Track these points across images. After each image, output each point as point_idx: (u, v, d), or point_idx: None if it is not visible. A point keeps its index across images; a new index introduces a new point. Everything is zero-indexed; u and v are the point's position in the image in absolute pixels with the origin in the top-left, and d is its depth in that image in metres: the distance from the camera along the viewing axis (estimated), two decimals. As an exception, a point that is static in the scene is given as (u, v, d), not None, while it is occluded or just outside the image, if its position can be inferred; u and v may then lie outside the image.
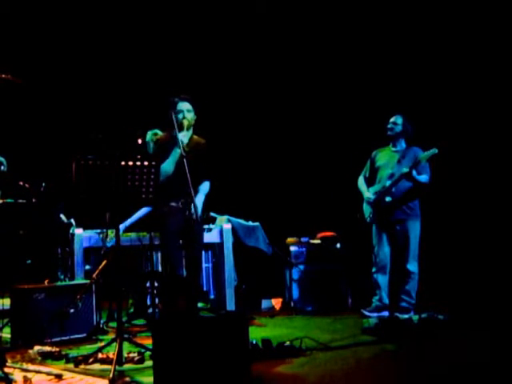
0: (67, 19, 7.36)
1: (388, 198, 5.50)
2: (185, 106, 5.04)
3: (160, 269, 5.53)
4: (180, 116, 4.99)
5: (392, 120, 5.66)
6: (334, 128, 7.43)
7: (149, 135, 5.77)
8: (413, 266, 5.49)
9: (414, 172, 5.35)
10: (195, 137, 5.13)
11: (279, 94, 7.78)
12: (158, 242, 5.25)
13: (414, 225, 5.53)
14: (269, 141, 7.85)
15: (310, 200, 7.53)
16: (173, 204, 4.92)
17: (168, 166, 4.88)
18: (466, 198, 6.49)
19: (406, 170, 5.35)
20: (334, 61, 7.43)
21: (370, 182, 5.80)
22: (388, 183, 5.51)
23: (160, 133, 5.73)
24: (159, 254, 5.56)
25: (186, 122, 4.96)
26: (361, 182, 5.86)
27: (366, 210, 5.72)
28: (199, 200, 4.98)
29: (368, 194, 5.68)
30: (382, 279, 5.64)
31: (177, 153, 4.80)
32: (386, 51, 7.05)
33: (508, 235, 6.21)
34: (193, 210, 4.79)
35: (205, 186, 5.15)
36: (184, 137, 4.92)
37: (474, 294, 5.85)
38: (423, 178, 5.44)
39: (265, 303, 6.47)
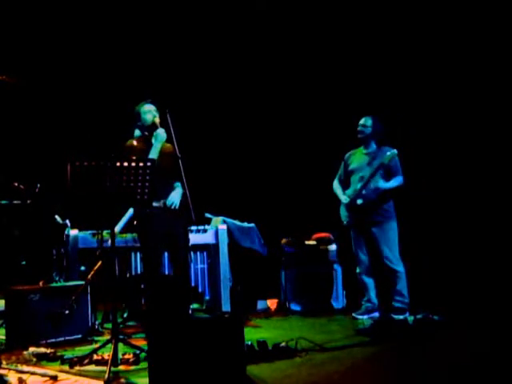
0: (62, 20, 7.35)
1: (359, 201, 5.49)
2: (152, 107, 5.02)
3: (140, 270, 5.54)
4: (150, 116, 4.97)
5: (362, 122, 5.62)
6: (330, 129, 7.43)
7: (137, 132, 5.75)
8: (397, 266, 5.46)
9: (381, 182, 5.38)
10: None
11: (273, 95, 7.78)
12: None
13: (390, 226, 5.50)
14: (264, 142, 7.86)
15: (305, 201, 7.53)
16: (155, 205, 4.89)
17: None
18: (461, 196, 6.50)
19: (374, 185, 5.38)
20: (327, 58, 7.45)
21: (345, 186, 5.78)
22: (359, 186, 5.51)
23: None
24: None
25: (157, 120, 4.94)
26: (336, 186, 5.83)
27: (343, 213, 5.72)
28: (177, 196, 4.96)
29: (344, 196, 5.67)
30: (368, 280, 5.64)
31: (157, 148, 4.84)
32: (369, 54, 7.09)
33: (503, 234, 6.22)
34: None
35: (178, 185, 5.12)
36: (164, 133, 4.90)
37: (470, 295, 5.86)
38: (394, 182, 5.45)
39: (260, 304, 6.46)
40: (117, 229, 5.57)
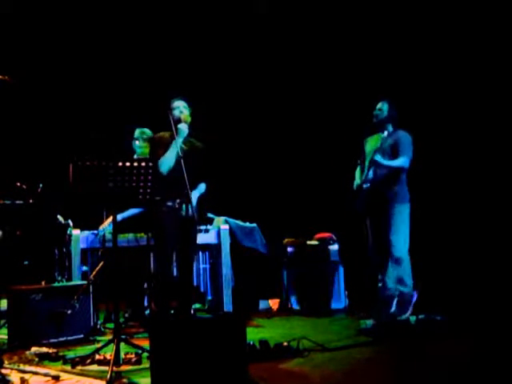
0: (65, 19, 7.36)
1: (365, 185, 5.33)
2: (180, 103, 5.06)
3: (153, 270, 5.54)
4: (177, 112, 5.00)
5: (378, 106, 5.48)
6: (331, 129, 7.43)
7: (137, 132, 5.78)
8: (400, 252, 5.18)
9: (379, 157, 5.18)
10: (192, 139, 5.12)
11: (275, 95, 7.79)
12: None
13: (397, 209, 5.24)
14: (266, 142, 7.86)
15: (307, 201, 7.53)
16: (169, 204, 4.90)
17: (170, 158, 4.84)
18: (464, 196, 6.49)
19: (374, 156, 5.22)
20: (330, 60, 7.44)
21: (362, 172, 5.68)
22: (368, 171, 5.35)
23: (148, 132, 5.74)
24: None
25: (183, 117, 4.97)
26: (356, 173, 5.65)
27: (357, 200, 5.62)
28: (193, 196, 4.95)
29: (356, 182, 5.52)
30: (374, 268, 5.45)
31: (178, 143, 4.81)
32: (377, 52, 7.08)
33: (506, 234, 6.22)
34: (190, 210, 4.81)
35: (201, 187, 5.15)
36: (186, 128, 4.92)
37: (472, 294, 5.85)
38: (397, 161, 5.24)
39: (262, 304, 6.47)
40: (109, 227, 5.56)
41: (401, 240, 5.25)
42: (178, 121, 4.94)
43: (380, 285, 5.46)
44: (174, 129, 4.79)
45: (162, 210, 4.88)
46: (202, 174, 5.10)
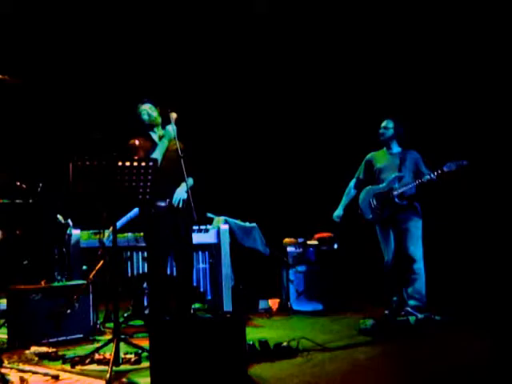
0: (65, 20, 7.35)
1: (404, 202, 5.48)
2: (146, 106, 5.00)
3: (142, 269, 5.55)
4: (145, 116, 4.97)
5: (383, 125, 5.69)
6: (330, 129, 7.44)
7: None
8: (419, 264, 5.41)
9: (433, 176, 5.38)
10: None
11: (276, 95, 7.79)
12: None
13: (417, 223, 5.51)
14: (266, 142, 7.86)
15: (307, 201, 7.53)
16: (161, 204, 4.87)
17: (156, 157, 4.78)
18: (463, 196, 6.49)
19: (429, 176, 5.36)
20: (331, 61, 7.45)
21: (366, 184, 5.78)
22: (397, 185, 5.49)
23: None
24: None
25: (153, 119, 4.94)
26: (347, 191, 5.87)
27: (364, 206, 5.66)
28: (181, 188, 4.86)
29: (338, 211, 5.76)
30: (395, 278, 5.54)
31: (164, 144, 4.80)
32: (379, 55, 7.07)
33: (506, 235, 6.22)
34: (182, 205, 4.78)
35: (188, 181, 5.09)
36: (173, 130, 4.82)
37: (471, 295, 5.85)
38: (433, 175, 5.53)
39: (262, 304, 6.46)
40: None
41: (419, 254, 5.46)
42: (150, 124, 4.94)
43: (395, 299, 5.54)
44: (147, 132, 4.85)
45: (153, 211, 4.84)
46: (188, 169, 5.01)
